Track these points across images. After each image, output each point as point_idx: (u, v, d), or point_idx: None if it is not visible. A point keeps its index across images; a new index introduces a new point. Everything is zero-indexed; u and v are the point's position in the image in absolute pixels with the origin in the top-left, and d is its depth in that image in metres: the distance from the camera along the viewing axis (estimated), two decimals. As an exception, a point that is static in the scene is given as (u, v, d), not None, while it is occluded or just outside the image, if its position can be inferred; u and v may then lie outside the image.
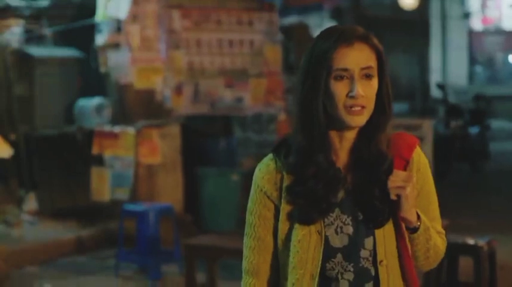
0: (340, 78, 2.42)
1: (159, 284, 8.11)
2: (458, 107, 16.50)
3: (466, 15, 26.20)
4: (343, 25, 2.58)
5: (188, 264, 7.08)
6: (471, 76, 28.00)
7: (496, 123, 22.09)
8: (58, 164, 10.57)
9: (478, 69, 28.73)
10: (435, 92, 22.09)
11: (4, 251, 8.61)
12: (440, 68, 26.11)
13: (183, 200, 10.12)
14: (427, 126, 11.28)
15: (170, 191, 9.94)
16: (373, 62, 2.45)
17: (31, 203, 10.23)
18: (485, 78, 28.41)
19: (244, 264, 2.62)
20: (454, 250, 6.43)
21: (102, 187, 9.79)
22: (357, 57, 2.42)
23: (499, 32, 28.58)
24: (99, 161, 9.85)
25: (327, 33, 2.49)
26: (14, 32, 10.71)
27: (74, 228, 9.82)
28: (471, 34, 27.86)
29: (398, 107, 19.20)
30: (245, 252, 2.62)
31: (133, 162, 9.73)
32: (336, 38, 2.44)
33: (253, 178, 2.61)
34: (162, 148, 9.94)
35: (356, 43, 2.44)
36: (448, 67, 26.46)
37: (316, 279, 2.47)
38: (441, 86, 18.39)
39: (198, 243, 7.25)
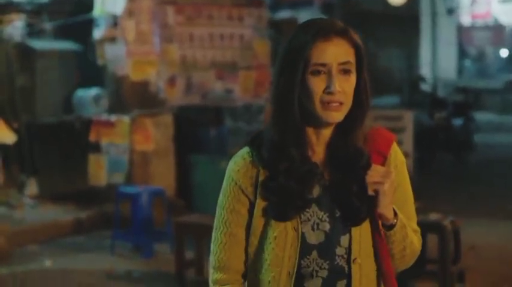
0: (318, 73, 2.32)
1: (152, 262, 8.41)
2: (442, 99, 16.73)
3: (450, 11, 26.27)
4: (322, 19, 2.44)
5: (178, 240, 7.56)
6: (460, 70, 28.12)
7: (484, 116, 22.25)
8: (58, 150, 10.74)
9: (467, 63, 28.86)
10: (425, 86, 22.31)
11: (7, 231, 8.80)
12: (430, 62, 26.24)
13: (175, 185, 10.35)
14: (408, 117, 11.62)
15: (163, 177, 10.19)
16: (351, 57, 2.35)
17: (32, 187, 10.45)
18: (475, 72, 28.51)
19: (213, 260, 2.48)
20: (420, 228, 6.85)
21: (99, 172, 10.05)
22: (335, 52, 2.33)
23: (488, 27, 28.79)
24: (96, 148, 10.10)
25: (305, 27, 2.38)
26: (16, 26, 10.88)
27: (72, 210, 10.01)
28: (461, 29, 27.99)
29: (389, 99, 19.50)
30: (214, 247, 2.48)
31: (128, 149, 9.99)
32: (314, 33, 2.33)
33: (227, 171, 2.47)
34: (155, 135, 10.18)
35: (334, 38, 2.34)
36: (438, 61, 26.45)
37: (294, 277, 2.37)
38: (422, 79, 18.66)
39: (187, 221, 7.75)
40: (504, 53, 28.75)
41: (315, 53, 2.32)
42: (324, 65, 2.32)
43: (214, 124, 11.23)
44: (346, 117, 2.36)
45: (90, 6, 10.61)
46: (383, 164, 2.42)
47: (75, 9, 11.55)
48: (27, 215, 9.82)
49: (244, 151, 2.45)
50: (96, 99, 10.83)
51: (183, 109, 10.88)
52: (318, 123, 2.38)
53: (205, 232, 7.56)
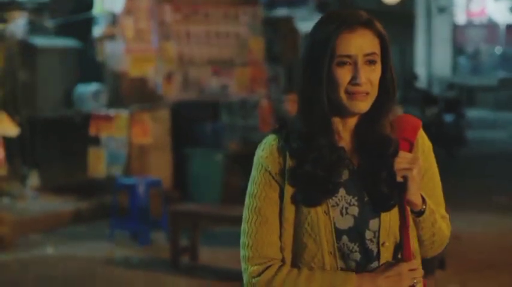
0: (343, 64, 2.30)
1: (148, 249, 8.69)
2: (433, 95, 16.96)
3: (442, 10, 26.40)
4: (345, 10, 2.39)
5: (173, 228, 7.89)
6: (455, 67, 28.34)
7: (478, 113, 22.52)
8: (58, 144, 10.94)
9: (462, 60, 28.99)
10: (419, 83, 22.48)
11: (11, 220, 9.00)
12: (425, 59, 26.42)
13: (171, 177, 10.58)
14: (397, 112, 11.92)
15: (160, 169, 10.40)
16: (376, 48, 2.33)
17: (34, 179, 10.62)
18: (469, 69, 28.64)
19: (246, 253, 2.39)
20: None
21: (99, 164, 10.28)
22: (360, 43, 2.30)
23: (483, 25, 28.98)
24: (96, 141, 10.33)
25: (329, 18, 2.35)
26: (18, 24, 11.00)
27: (72, 201, 10.22)
28: (455, 27, 28.17)
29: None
30: (245, 240, 2.40)
31: (127, 142, 10.21)
32: (339, 24, 2.30)
33: (255, 159, 2.44)
34: (153, 129, 10.40)
35: (359, 29, 2.31)
36: (433, 59, 26.69)
37: (337, 254, 2.36)
38: (415, 77, 18.88)
39: (182, 209, 8.08)
40: (498, 50, 28.93)
41: (340, 45, 2.30)
42: (349, 56, 2.30)
43: (211, 119, 11.40)
44: (373, 105, 2.34)
45: (90, 5, 10.80)
46: (410, 151, 2.40)
47: (75, 8, 11.71)
48: (30, 206, 10.02)
49: (271, 138, 2.43)
50: (96, 94, 11.00)
51: (180, 104, 11.04)
52: (344, 113, 2.36)
53: (198, 220, 7.95)
